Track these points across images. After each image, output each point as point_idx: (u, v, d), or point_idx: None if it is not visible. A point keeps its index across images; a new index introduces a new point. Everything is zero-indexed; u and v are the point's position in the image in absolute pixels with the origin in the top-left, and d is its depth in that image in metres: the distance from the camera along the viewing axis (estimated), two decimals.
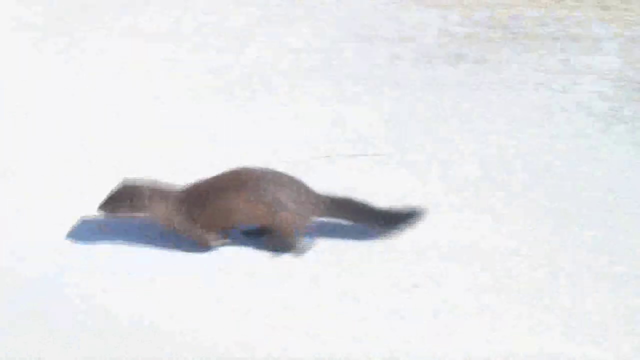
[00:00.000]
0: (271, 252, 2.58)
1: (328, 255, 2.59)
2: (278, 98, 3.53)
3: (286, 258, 2.57)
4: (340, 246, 2.63)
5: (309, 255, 2.58)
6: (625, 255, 2.56)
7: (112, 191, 2.50)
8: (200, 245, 2.55)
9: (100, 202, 2.51)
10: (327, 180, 2.85)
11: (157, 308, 2.40)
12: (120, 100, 3.50)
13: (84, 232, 2.63)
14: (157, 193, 2.49)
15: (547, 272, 2.50)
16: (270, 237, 2.57)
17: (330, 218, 2.61)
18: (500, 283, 2.48)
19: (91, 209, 2.60)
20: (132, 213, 2.49)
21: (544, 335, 2.28)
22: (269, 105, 3.48)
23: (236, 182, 2.48)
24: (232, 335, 2.32)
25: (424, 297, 2.42)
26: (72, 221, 2.67)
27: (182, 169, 2.90)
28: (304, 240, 2.60)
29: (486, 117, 3.38)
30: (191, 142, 3.20)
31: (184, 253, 2.58)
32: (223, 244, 2.58)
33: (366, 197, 2.74)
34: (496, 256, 2.58)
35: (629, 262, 2.53)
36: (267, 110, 3.44)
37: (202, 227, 2.51)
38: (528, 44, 3.89)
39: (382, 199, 2.73)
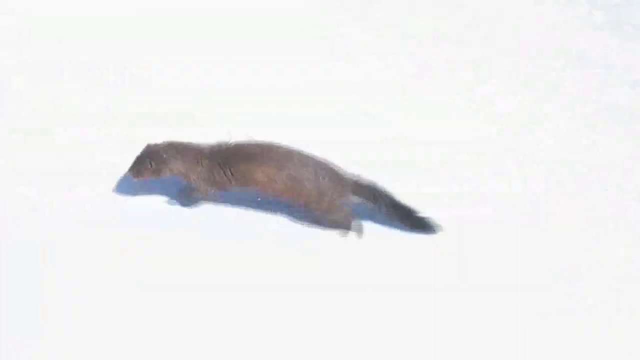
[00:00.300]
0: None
1: None
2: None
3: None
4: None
5: None
6: None
7: (137, 156, 2.63)
8: (195, 194, 2.62)
9: (129, 167, 2.65)
10: None
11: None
12: None
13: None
14: (178, 151, 2.59)
15: None
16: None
17: (355, 199, 2.57)
18: None
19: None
20: (157, 174, 2.61)
21: None
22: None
23: (261, 154, 2.53)
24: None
25: None
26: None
27: None
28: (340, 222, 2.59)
29: None
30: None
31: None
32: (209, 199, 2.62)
33: None
34: None
35: None
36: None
37: (218, 186, 2.58)
38: None
39: None
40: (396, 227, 2.59)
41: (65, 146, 3.02)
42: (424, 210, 2.64)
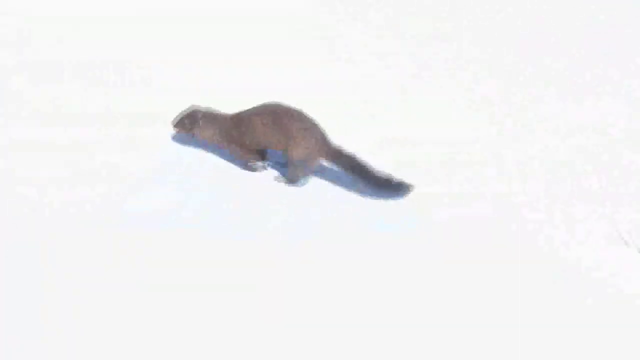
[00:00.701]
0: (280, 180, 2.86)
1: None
2: None
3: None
4: None
5: None
6: None
7: (181, 113, 3.02)
8: (239, 159, 2.95)
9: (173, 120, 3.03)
10: None
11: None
12: None
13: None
14: (209, 117, 2.96)
15: None
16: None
17: (333, 165, 2.79)
18: None
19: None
20: (190, 131, 2.97)
21: None
22: None
23: (263, 111, 2.83)
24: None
25: None
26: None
27: None
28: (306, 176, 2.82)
29: None
30: None
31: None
32: (258, 166, 2.94)
33: None
34: None
35: None
36: None
37: (239, 147, 2.92)
38: None
39: None
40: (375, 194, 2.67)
41: (65, 146, 3.02)
42: (423, 210, 2.64)
